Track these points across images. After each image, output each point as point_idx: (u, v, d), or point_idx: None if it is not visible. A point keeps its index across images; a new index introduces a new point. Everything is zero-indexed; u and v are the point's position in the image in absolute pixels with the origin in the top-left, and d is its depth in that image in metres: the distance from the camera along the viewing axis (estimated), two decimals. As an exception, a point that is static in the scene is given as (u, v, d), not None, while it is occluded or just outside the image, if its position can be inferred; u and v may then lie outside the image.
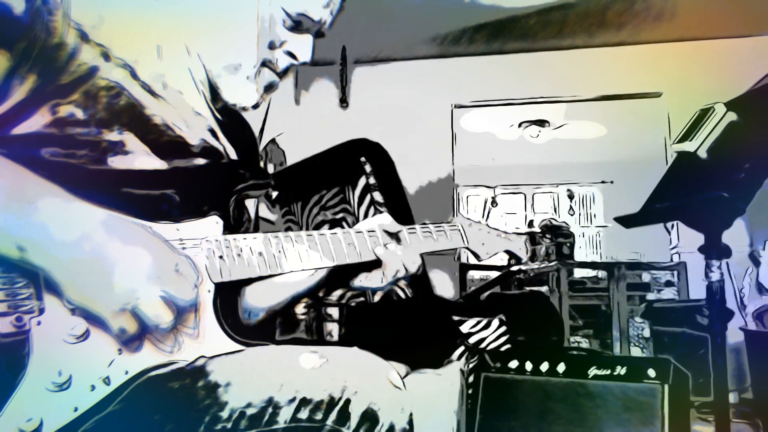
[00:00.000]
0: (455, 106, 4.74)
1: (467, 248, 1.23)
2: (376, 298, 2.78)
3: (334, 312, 2.59)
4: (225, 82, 0.98)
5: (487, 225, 1.27)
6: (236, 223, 0.95)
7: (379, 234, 1.03)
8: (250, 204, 1.03)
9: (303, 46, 1.00)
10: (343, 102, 4.55)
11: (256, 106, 1.01)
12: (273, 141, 3.70)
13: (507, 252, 1.30)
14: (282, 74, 1.01)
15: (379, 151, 2.96)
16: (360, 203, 2.83)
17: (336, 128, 4.53)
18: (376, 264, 1.04)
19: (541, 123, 6.22)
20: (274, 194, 1.11)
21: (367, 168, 2.87)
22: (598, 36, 4.17)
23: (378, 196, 2.85)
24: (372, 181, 2.86)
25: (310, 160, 3.16)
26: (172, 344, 0.83)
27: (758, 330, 2.88)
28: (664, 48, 4.26)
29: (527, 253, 1.33)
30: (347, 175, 2.88)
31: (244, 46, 0.96)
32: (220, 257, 0.88)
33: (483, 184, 7.54)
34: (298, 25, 0.98)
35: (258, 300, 1.05)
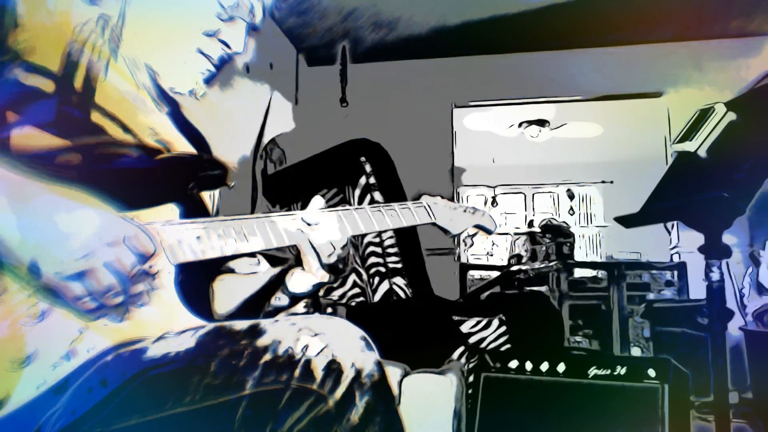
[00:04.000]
0: (455, 106, 4.74)
1: (435, 224, 1.24)
2: (376, 297, 2.78)
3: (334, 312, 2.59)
4: (162, 68, 0.97)
5: (455, 202, 1.29)
6: (194, 214, 0.95)
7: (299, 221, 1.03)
8: (206, 197, 1.04)
9: (236, 35, 1.00)
10: (343, 102, 4.55)
11: (192, 93, 1.00)
12: (273, 141, 3.70)
13: (476, 226, 1.32)
14: (219, 65, 1.01)
15: (379, 151, 2.96)
16: (360, 203, 2.83)
17: (336, 128, 4.54)
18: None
19: (541, 123, 6.22)
20: (232, 184, 1.10)
21: (367, 168, 2.87)
22: (599, 36, 4.17)
23: (378, 196, 2.85)
24: (372, 181, 2.86)
25: (310, 160, 3.16)
26: (122, 315, 0.83)
27: (758, 330, 2.88)
28: (664, 48, 4.26)
29: (495, 225, 1.35)
30: (347, 175, 2.88)
31: (182, 32, 0.97)
32: (178, 240, 0.88)
33: (483, 184, 7.54)
34: (233, 15, 0.98)
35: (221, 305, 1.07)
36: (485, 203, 7.29)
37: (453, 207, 1.27)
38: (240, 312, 1.07)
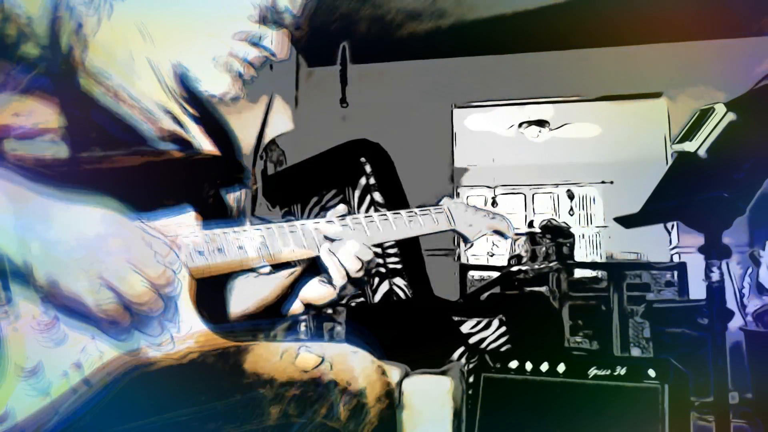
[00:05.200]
0: (455, 106, 4.74)
1: (454, 230, 1.20)
2: (376, 297, 2.78)
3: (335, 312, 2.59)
4: (201, 73, 0.97)
5: (474, 206, 1.24)
6: (213, 219, 0.95)
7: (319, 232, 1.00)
8: (231, 198, 1.03)
9: (281, 41, 1.00)
10: (343, 102, 4.55)
11: (235, 99, 1.00)
12: (273, 141, 3.70)
13: (495, 232, 1.26)
14: (259, 69, 1.01)
15: (379, 152, 2.96)
16: (360, 203, 2.83)
17: (336, 128, 4.54)
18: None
19: (541, 123, 6.22)
20: (255, 187, 1.09)
21: (367, 168, 2.87)
22: (598, 36, 4.17)
23: (378, 197, 2.85)
24: (372, 181, 2.86)
25: (310, 160, 3.16)
26: (160, 334, 0.82)
27: (758, 330, 2.88)
28: (664, 48, 4.26)
29: (513, 230, 1.29)
30: (347, 176, 2.88)
31: (221, 37, 0.96)
32: (200, 252, 0.87)
33: (483, 184, 7.55)
34: (276, 19, 0.98)
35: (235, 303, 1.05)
36: (485, 203, 7.29)
37: (473, 211, 1.21)
38: (256, 314, 1.06)
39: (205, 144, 1.01)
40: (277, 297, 1.06)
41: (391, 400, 0.82)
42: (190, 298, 0.86)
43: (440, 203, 1.17)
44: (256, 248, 0.92)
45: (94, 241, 0.76)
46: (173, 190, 0.90)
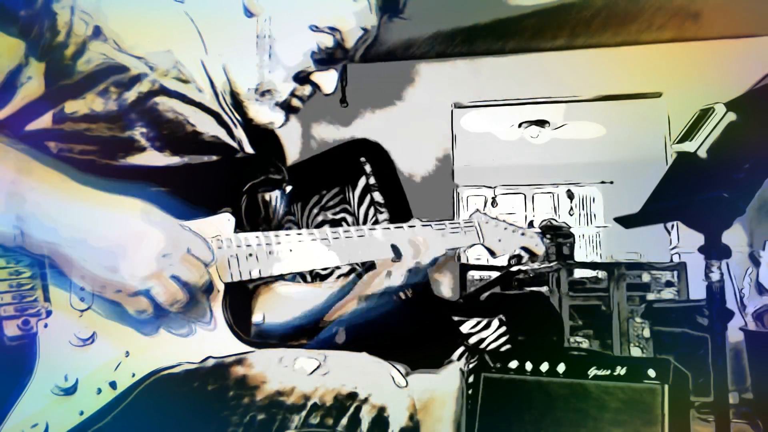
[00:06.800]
0: (455, 106, 4.74)
1: (483, 245, 1.19)
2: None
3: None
4: (251, 103, 0.99)
5: (504, 221, 1.22)
6: (248, 221, 0.95)
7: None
8: (268, 199, 1.04)
9: (329, 78, 1.01)
10: (343, 102, 4.54)
11: (282, 125, 1.04)
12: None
13: (523, 248, 1.25)
14: (306, 100, 1.04)
15: (379, 151, 2.96)
16: (360, 203, 2.83)
17: (336, 128, 4.53)
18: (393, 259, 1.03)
19: (541, 123, 6.21)
20: (289, 188, 1.10)
21: (367, 168, 2.87)
22: (598, 36, 4.17)
23: (378, 197, 2.85)
24: (372, 181, 2.86)
25: (310, 160, 3.16)
26: (187, 331, 0.83)
27: (758, 330, 2.88)
28: (664, 48, 4.26)
29: (543, 248, 1.27)
30: (347, 175, 2.88)
31: (274, 71, 0.98)
32: (232, 257, 0.87)
33: (483, 184, 7.54)
34: (329, 57, 0.99)
35: (275, 315, 1.06)
36: (485, 203, 7.29)
37: (504, 227, 1.20)
38: (291, 329, 1.07)
39: (246, 146, 1.02)
40: (322, 311, 1.07)
41: (413, 413, 0.82)
42: (219, 301, 0.86)
43: (471, 218, 1.16)
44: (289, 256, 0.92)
45: (134, 234, 0.76)
46: (210, 192, 0.91)
